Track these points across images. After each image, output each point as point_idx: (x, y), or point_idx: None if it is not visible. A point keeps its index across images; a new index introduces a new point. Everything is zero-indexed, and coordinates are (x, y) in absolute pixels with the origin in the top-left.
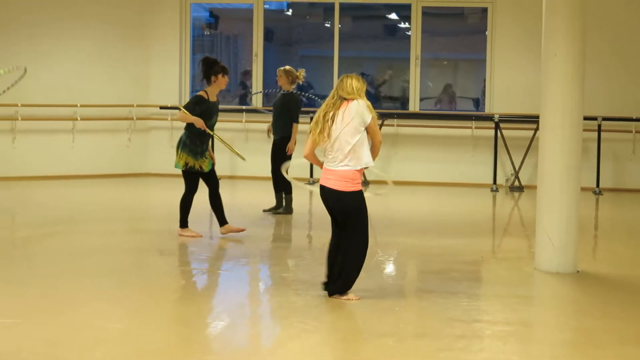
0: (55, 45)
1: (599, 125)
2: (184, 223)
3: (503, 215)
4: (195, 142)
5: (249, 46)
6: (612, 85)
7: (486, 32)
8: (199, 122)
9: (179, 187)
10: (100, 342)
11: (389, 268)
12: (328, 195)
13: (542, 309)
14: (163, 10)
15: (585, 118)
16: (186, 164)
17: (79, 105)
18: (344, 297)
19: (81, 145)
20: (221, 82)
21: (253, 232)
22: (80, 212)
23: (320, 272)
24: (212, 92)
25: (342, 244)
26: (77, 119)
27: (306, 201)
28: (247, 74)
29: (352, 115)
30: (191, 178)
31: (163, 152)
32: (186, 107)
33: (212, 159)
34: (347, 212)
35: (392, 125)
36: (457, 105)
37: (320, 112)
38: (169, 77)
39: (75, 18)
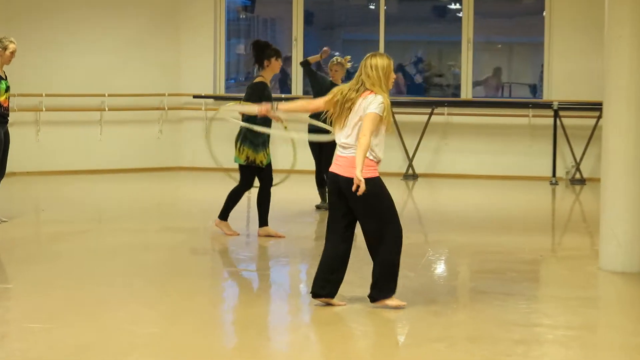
0: (81, 31)
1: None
2: (224, 215)
3: (563, 210)
4: (256, 133)
5: (287, 30)
6: None
7: (544, 13)
8: (264, 108)
9: (214, 182)
10: (135, 347)
11: (440, 268)
12: (342, 184)
13: (607, 311)
14: None
15: None
16: (247, 157)
17: (106, 95)
18: (392, 304)
19: (109, 137)
20: (275, 66)
21: (294, 229)
22: (109, 209)
23: (366, 273)
24: (267, 77)
25: (345, 248)
26: (104, 110)
27: None
28: (287, 60)
29: (361, 113)
30: (249, 172)
31: (196, 144)
32: (249, 99)
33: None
34: (368, 202)
35: (443, 114)
36: (512, 92)
37: (342, 93)
38: (203, 64)
39: (103, 2)
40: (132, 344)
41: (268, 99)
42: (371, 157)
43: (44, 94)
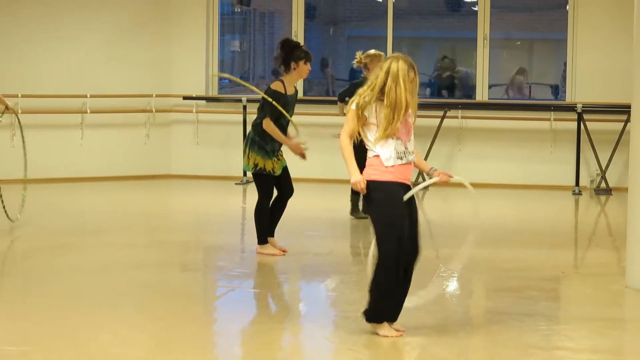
0: (60, 25)
1: None
2: (263, 238)
3: (587, 222)
4: (265, 139)
5: (287, 25)
6: None
7: (567, 7)
8: (290, 144)
9: (206, 191)
10: None
11: (453, 285)
12: None
13: (635, 334)
14: None
15: None
16: (255, 165)
17: (88, 95)
18: (380, 333)
19: (91, 142)
20: (303, 70)
21: (294, 243)
22: (91, 221)
23: None
24: (290, 82)
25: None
26: (86, 112)
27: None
28: None
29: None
30: (264, 182)
31: (187, 149)
32: (269, 110)
33: (295, 148)
34: (368, 206)
35: (456, 117)
36: (532, 93)
37: (361, 99)
38: (194, 63)
39: None
40: None
41: (283, 107)
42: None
43: (19, 95)
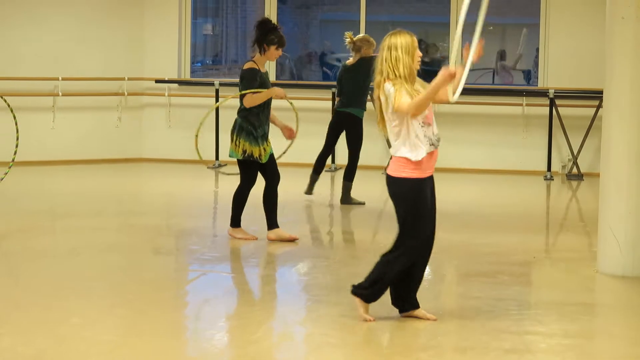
0: (30, 6)
1: None
2: (236, 221)
3: (559, 208)
4: (254, 124)
5: (259, 9)
6: None
7: None
8: (274, 91)
9: (178, 174)
10: (90, 356)
11: (426, 270)
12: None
13: (605, 318)
14: None
15: None
16: (244, 151)
17: (60, 78)
18: (359, 311)
19: (63, 125)
20: (272, 55)
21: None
22: (63, 204)
23: (344, 274)
24: (260, 62)
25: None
26: (58, 95)
27: (327, 189)
28: None
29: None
30: (249, 168)
31: (159, 133)
32: (247, 87)
33: (286, 130)
34: (393, 201)
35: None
36: (507, 78)
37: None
38: (167, 46)
39: None
40: (87, 353)
41: (262, 85)
42: (401, 155)
43: None
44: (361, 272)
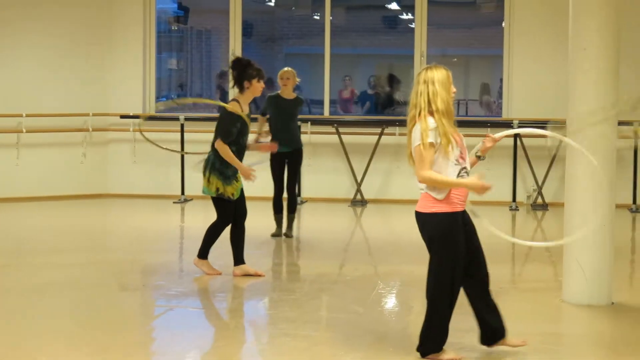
0: None
1: (636, 132)
2: (204, 254)
3: (524, 237)
4: (225, 163)
5: (225, 43)
6: None
7: (503, 24)
8: (244, 172)
9: (144, 210)
10: None
11: (391, 302)
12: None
13: (572, 348)
14: (123, 0)
15: (620, 123)
16: (217, 189)
17: (24, 114)
18: (445, 358)
19: (27, 162)
20: (256, 89)
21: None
22: (28, 241)
23: (311, 307)
24: (244, 101)
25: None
26: (22, 132)
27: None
28: (224, 75)
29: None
30: (224, 206)
31: (125, 168)
32: (222, 133)
33: (263, 147)
34: (424, 238)
35: (394, 135)
36: (469, 110)
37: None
38: (131, 81)
39: (20, 11)
40: None
41: (242, 129)
42: (431, 193)
43: None
44: (328, 305)
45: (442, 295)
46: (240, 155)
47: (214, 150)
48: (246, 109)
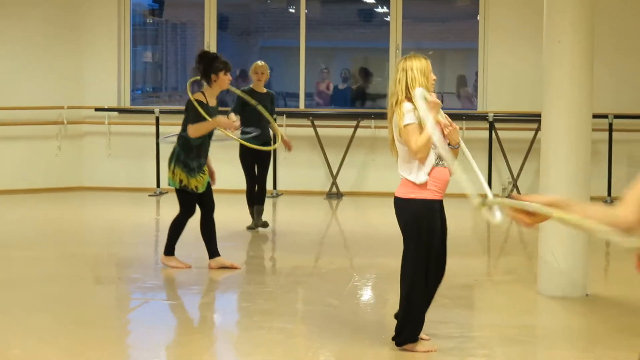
0: None
1: (610, 124)
2: (170, 250)
3: (499, 230)
4: (191, 155)
5: (199, 36)
6: (620, 80)
7: (478, 17)
8: (219, 122)
9: (119, 203)
10: None
11: (367, 294)
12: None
13: (547, 340)
14: None
15: (595, 116)
16: (180, 181)
17: None
18: (421, 349)
19: (2, 155)
20: (223, 82)
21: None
22: (2, 234)
23: (286, 300)
24: (211, 94)
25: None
26: None
27: (269, 214)
28: None
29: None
30: (187, 198)
31: (100, 161)
32: (192, 118)
33: (212, 175)
34: (400, 224)
35: (369, 127)
36: (444, 103)
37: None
38: (106, 74)
39: None
40: None
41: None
42: (409, 178)
43: None
44: (303, 297)
45: (417, 283)
46: (204, 149)
47: (180, 142)
48: (213, 102)
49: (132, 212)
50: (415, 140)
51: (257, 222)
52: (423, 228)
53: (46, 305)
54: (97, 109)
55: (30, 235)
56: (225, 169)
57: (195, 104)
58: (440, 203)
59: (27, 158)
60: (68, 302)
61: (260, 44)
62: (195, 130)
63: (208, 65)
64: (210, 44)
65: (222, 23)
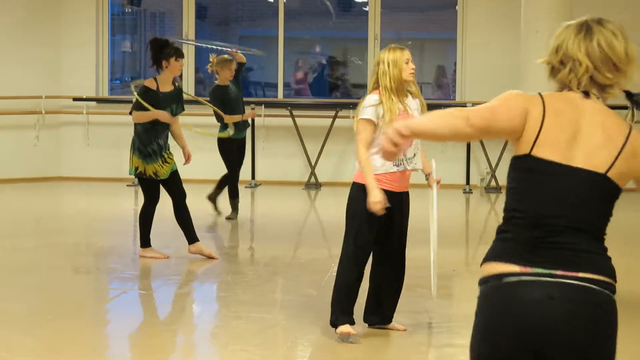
0: None
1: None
2: (145, 241)
3: (478, 220)
4: (145, 141)
5: (178, 26)
6: None
7: (456, 7)
8: (159, 114)
9: (97, 193)
10: None
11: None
12: None
13: None
14: None
15: None
16: (136, 168)
17: None
18: (340, 331)
19: None
20: (174, 68)
21: (185, 245)
22: None
23: (265, 290)
24: (164, 81)
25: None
26: None
27: (247, 205)
28: None
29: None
30: (148, 186)
31: (78, 151)
32: (134, 106)
33: (186, 156)
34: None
35: (348, 117)
36: (423, 93)
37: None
38: (84, 63)
39: None
40: None
41: (155, 105)
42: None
43: None
44: (281, 287)
45: (348, 263)
46: (154, 134)
47: (134, 129)
48: (167, 88)
49: (110, 202)
50: (361, 144)
51: (232, 215)
52: (357, 213)
53: (24, 295)
54: (75, 99)
55: (8, 224)
56: (204, 157)
57: (139, 97)
58: (396, 195)
59: (5, 148)
60: (46, 291)
61: (239, 33)
62: (136, 117)
63: (159, 51)
64: (189, 33)
65: (201, 12)
